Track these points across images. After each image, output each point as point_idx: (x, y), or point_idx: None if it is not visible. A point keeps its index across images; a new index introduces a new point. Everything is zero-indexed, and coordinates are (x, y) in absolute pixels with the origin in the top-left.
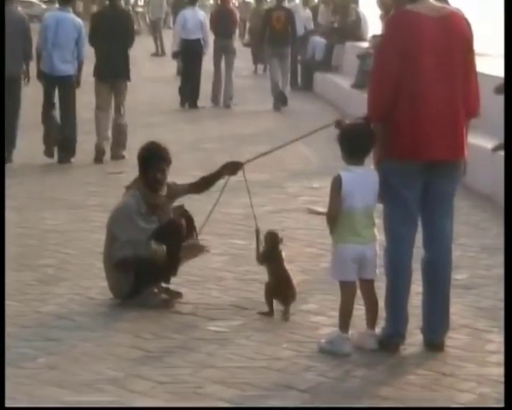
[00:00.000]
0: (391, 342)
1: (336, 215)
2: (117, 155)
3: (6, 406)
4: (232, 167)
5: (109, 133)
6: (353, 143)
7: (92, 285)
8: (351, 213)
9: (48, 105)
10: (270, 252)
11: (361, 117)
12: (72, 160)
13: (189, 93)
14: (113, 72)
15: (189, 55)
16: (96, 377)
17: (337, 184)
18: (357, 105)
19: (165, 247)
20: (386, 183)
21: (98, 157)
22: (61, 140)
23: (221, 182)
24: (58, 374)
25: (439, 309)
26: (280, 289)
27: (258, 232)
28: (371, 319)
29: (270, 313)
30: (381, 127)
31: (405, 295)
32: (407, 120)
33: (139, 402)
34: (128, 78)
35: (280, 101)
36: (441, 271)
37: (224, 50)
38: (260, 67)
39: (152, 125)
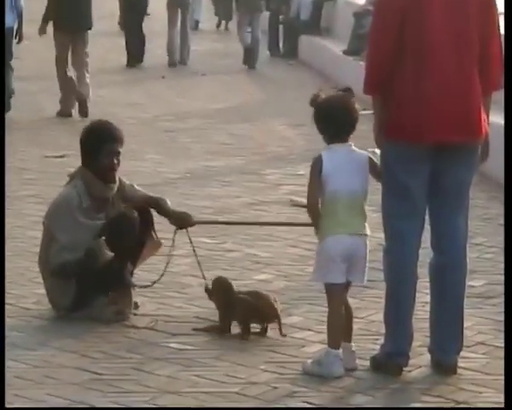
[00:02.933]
0: (392, 362)
1: (315, 203)
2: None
3: (6, 406)
4: (180, 222)
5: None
6: (331, 119)
7: (27, 293)
8: (334, 198)
9: None
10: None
11: (342, 89)
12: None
13: (135, 51)
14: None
15: (133, 5)
16: (33, 405)
17: (317, 165)
18: (351, 75)
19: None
20: (385, 168)
21: (63, 113)
22: None
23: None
24: None
25: (451, 323)
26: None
27: (208, 290)
28: (349, 329)
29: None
30: (379, 101)
31: (409, 306)
32: (410, 93)
33: None
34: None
35: (249, 58)
36: (453, 276)
37: (179, 3)
38: (224, 22)
39: (100, 96)
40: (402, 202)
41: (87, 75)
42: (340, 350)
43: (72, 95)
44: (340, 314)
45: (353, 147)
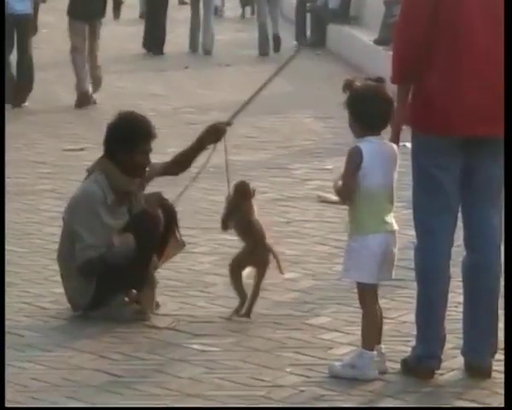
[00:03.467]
0: (423, 365)
1: (349, 196)
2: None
3: (6, 406)
4: (215, 132)
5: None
6: (369, 109)
7: (45, 292)
8: (375, 193)
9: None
10: (236, 206)
11: (373, 78)
12: (25, 104)
13: (155, 39)
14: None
15: None
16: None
17: (356, 158)
18: (382, 65)
19: (132, 237)
20: (416, 163)
21: (81, 101)
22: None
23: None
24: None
25: (485, 324)
26: (254, 253)
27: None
28: (378, 330)
29: (242, 300)
30: (406, 91)
31: (442, 307)
32: (441, 83)
33: None
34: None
35: (267, 46)
36: (487, 276)
37: None
38: (248, 9)
39: (120, 87)
40: (433, 197)
41: (98, 61)
42: (375, 352)
43: (87, 80)
44: (376, 315)
45: (385, 140)
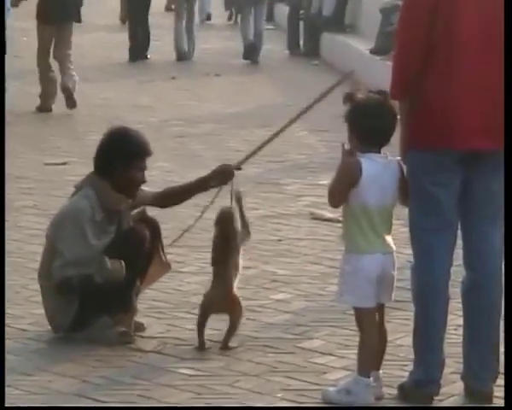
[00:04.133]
0: (422, 391)
1: (338, 205)
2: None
3: (6, 406)
4: (222, 175)
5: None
6: (370, 123)
7: (24, 313)
8: (369, 213)
9: None
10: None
11: (375, 91)
12: None
13: (139, 45)
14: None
15: None
16: None
17: (354, 173)
18: (379, 76)
19: (123, 263)
20: (413, 179)
21: (45, 106)
22: None
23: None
24: None
25: (486, 348)
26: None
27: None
28: (379, 357)
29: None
30: (406, 107)
31: (440, 330)
32: (439, 97)
33: None
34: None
35: (251, 53)
36: (488, 297)
37: None
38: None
39: (104, 99)
40: (431, 215)
41: (71, 67)
42: (371, 378)
43: (53, 89)
44: (374, 339)
45: (389, 157)
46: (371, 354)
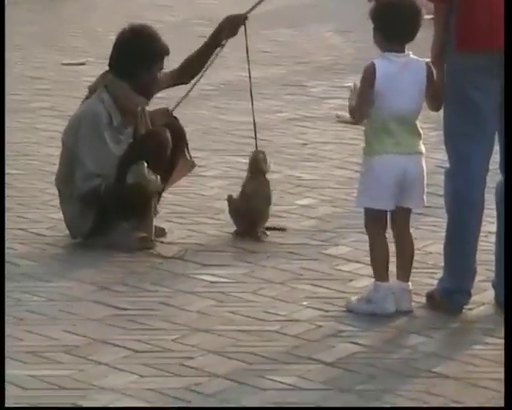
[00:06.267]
0: (451, 300)
1: (361, 116)
2: None
3: (6, 406)
4: (231, 25)
5: None
6: (393, 19)
7: (42, 218)
8: (385, 115)
9: None
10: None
11: None
12: None
13: None
14: None
15: None
16: (47, 343)
17: (369, 76)
18: None
19: (159, 178)
20: (452, 82)
21: None
22: None
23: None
24: None
25: None
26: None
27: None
28: (405, 266)
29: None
30: (444, 8)
31: (474, 238)
32: None
33: (107, 378)
34: None
35: None
36: None
37: None
38: None
39: None
40: (470, 120)
41: None
42: (390, 282)
43: None
44: (378, 246)
45: (411, 55)
46: (383, 258)
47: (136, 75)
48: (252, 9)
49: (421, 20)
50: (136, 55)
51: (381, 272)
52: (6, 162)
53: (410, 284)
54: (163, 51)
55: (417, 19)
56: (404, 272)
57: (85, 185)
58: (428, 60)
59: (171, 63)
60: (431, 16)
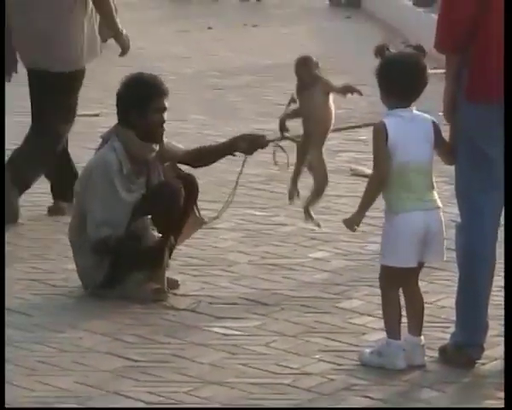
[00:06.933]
0: (463, 354)
1: (385, 177)
2: None
3: (6, 406)
4: (250, 143)
5: None
6: (396, 79)
7: (55, 268)
8: (405, 170)
9: None
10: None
11: (413, 45)
12: None
13: None
14: None
15: None
16: (58, 393)
17: (381, 133)
18: (422, 29)
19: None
20: (463, 135)
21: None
22: None
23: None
24: (7, 388)
25: None
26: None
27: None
28: (417, 321)
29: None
30: (456, 61)
31: (485, 292)
32: (494, 45)
33: None
34: None
35: None
36: None
37: None
38: None
39: (139, 48)
40: (481, 172)
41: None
42: (402, 340)
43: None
44: (391, 304)
45: (415, 111)
46: (396, 315)
47: (133, 122)
48: (277, 139)
49: (427, 76)
50: (130, 100)
51: (393, 329)
52: (22, 213)
53: (422, 338)
54: (152, 92)
55: (422, 76)
56: (416, 326)
57: (95, 234)
58: (434, 119)
59: (185, 113)
60: (442, 70)
